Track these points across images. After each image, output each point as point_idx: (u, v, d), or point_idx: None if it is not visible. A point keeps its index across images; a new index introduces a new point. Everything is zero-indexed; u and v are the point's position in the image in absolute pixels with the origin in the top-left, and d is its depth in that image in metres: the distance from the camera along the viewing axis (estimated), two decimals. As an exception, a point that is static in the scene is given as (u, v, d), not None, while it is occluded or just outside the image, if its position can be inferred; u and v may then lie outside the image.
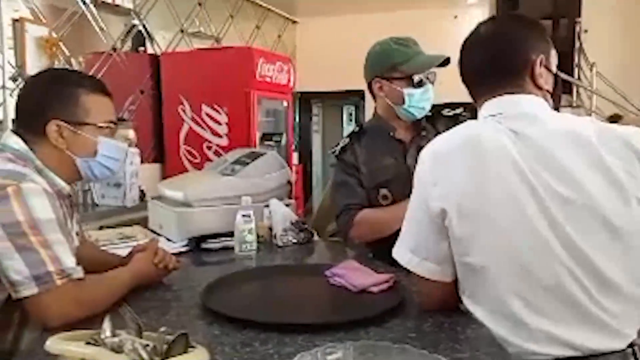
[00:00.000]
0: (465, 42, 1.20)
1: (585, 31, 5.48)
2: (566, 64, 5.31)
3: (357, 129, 1.89)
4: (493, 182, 1.03)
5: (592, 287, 1.00)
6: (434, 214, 1.07)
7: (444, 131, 1.19)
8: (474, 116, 1.22)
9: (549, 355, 1.00)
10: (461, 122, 1.19)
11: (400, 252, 1.16)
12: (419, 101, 1.74)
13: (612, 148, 1.03)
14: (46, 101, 1.26)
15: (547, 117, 1.10)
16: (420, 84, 1.73)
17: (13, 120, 1.32)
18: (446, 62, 1.73)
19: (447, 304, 1.15)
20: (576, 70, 5.53)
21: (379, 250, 1.80)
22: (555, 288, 1.00)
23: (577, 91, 5.50)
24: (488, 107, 1.14)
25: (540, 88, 1.12)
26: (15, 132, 1.26)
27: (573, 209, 1.00)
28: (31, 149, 1.23)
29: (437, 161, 1.11)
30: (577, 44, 5.51)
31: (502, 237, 1.02)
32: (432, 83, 1.77)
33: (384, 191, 1.76)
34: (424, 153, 1.15)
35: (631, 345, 1.02)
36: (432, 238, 1.10)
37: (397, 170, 1.76)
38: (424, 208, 1.10)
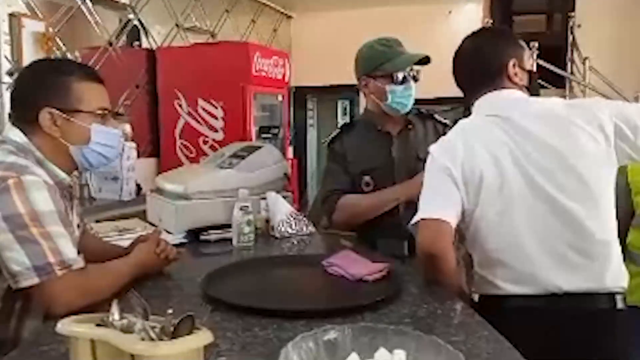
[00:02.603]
0: (455, 56, 1.47)
1: (579, 26, 5.50)
2: (559, 58, 5.33)
3: (348, 121, 2.00)
4: (481, 150, 1.30)
5: (570, 233, 1.24)
6: (442, 169, 1.31)
7: (434, 134, 1.54)
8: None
9: (531, 294, 1.25)
10: (445, 133, 1.43)
11: (418, 213, 1.32)
12: (400, 97, 1.86)
13: (579, 119, 1.28)
14: (38, 90, 1.25)
15: (523, 102, 1.37)
16: (402, 81, 1.84)
17: (9, 113, 1.32)
18: (426, 60, 1.85)
19: (445, 245, 1.28)
20: (569, 64, 5.55)
21: (361, 233, 1.90)
22: (535, 235, 1.25)
23: (571, 85, 5.53)
24: (477, 105, 1.40)
25: (516, 84, 1.39)
26: (14, 124, 1.26)
27: (550, 170, 1.25)
28: (30, 141, 1.23)
29: (441, 145, 1.38)
30: (570, 39, 5.53)
31: (487, 190, 1.28)
32: (415, 80, 1.88)
33: (366, 178, 1.88)
34: (431, 148, 1.39)
35: (612, 293, 1.25)
36: (445, 188, 1.31)
37: (382, 160, 1.87)
38: (436, 171, 1.34)
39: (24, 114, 1.26)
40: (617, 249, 1.28)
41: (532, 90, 1.43)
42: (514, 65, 1.38)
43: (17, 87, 1.31)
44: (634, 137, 1.26)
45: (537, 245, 1.25)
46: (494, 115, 1.34)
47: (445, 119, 1.97)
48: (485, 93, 1.39)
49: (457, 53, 1.47)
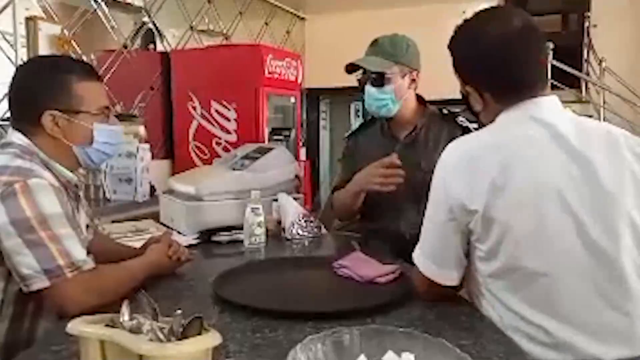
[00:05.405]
0: (458, 44, 1.18)
1: (595, 26, 5.45)
2: (575, 59, 5.28)
3: (368, 119, 2.01)
4: (525, 186, 1.01)
5: (609, 287, 1.00)
6: (448, 210, 1.07)
7: (446, 141, 1.26)
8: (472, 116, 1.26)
9: None
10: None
11: (421, 260, 1.17)
12: (367, 102, 1.81)
13: (634, 152, 1.05)
14: (39, 91, 1.24)
15: (569, 117, 1.09)
16: (366, 85, 1.80)
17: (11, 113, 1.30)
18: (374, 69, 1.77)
19: (447, 297, 1.19)
20: (585, 65, 5.50)
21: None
22: (576, 297, 1.01)
23: (586, 86, 5.48)
24: (507, 115, 1.10)
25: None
26: (15, 127, 1.26)
27: (598, 208, 1.01)
28: (33, 143, 1.23)
29: (458, 165, 1.09)
30: (586, 39, 5.48)
31: (526, 239, 1.02)
32: (374, 84, 1.77)
33: None
34: (444, 161, 1.11)
35: None
36: (451, 237, 1.10)
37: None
38: (445, 211, 1.08)
39: (26, 115, 1.25)
40: None
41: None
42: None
43: (16, 89, 1.28)
44: None
45: (578, 307, 1.01)
46: (543, 125, 1.05)
47: (470, 121, 1.75)
48: (529, 97, 1.08)
49: (462, 41, 1.17)
